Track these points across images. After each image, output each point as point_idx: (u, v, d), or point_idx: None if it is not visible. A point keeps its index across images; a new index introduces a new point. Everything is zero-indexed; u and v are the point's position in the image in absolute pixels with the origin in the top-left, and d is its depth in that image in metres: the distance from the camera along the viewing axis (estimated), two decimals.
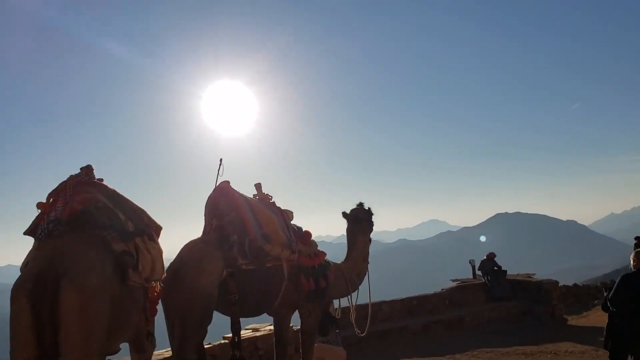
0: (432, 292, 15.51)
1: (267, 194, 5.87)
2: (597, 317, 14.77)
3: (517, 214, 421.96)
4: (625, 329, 6.01)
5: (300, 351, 6.09)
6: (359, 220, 6.78)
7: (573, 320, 15.47)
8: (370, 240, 6.99)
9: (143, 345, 4.37)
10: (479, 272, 16.88)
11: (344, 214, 6.83)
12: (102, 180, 4.33)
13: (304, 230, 6.09)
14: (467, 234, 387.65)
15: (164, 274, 4.50)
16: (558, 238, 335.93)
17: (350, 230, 6.86)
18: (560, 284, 20.41)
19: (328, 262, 6.16)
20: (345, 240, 7.05)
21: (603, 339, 6.75)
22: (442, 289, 15.86)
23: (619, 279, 6.26)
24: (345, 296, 6.87)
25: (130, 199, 4.41)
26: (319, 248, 6.15)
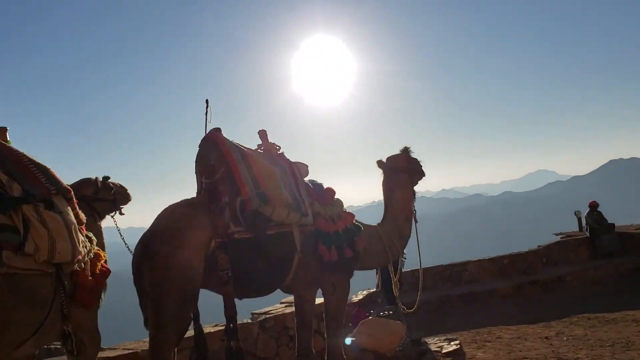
0: (527, 249, 13.84)
1: (274, 144, 4.70)
2: None
3: (634, 159, 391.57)
4: None
5: (325, 336, 4.93)
6: (398, 171, 5.40)
7: None
8: (414, 195, 5.53)
9: (66, 347, 3.25)
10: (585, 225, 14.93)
11: (379, 163, 5.49)
12: (4, 129, 3.27)
13: (325, 187, 4.87)
14: (578, 183, 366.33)
15: (80, 254, 3.23)
16: None
17: (386, 184, 5.45)
18: None
19: (358, 226, 4.86)
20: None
21: None
22: (538, 246, 14.15)
23: None
24: (385, 264, 5.47)
25: (29, 155, 3.15)
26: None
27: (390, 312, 7.73)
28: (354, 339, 6.22)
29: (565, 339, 8.30)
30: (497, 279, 12.94)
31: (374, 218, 5.78)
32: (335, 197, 4.86)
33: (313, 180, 4.87)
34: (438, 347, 7.35)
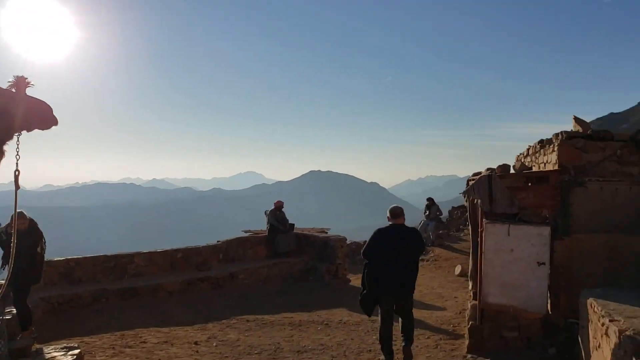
0: (205, 244, 13.01)
1: None
2: None
3: (329, 172, 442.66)
4: (374, 280, 6.33)
5: None
6: None
7: (357, 280, 14.17)
8: None
9: None
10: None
11: None
12: None
13: None
14: (282, 187, 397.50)
15: None
16: (362, 197, 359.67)
17: None
18: (356, 240, 19.53)
19: None
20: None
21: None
22: (217, 241, 13.46)
23: (373, 232, 6.56)
24: None
25: None
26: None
27: None
28: None
29: (215, 344, 7.47)
30: (168, 273, 11.80)
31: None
32: None
33: None
34: (51, 358, 5.73)
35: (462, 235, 19.72)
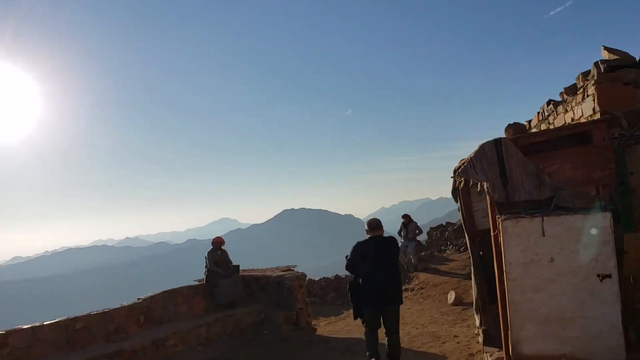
0: (120, 305, 9.81)
1: None
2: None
3: (302, 209, 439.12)
4: (359, 290, 6.35)
5: None
6: None
7: (328, 327, 11.11)
8: None
9: None
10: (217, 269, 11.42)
11: None
12: None
13: None
14: (256, 230, 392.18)
15: None
16: (338, 230, 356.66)
17: None
18: (328, 275, 16.83)
19: None
20: None
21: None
22: (138, 298, 10.25)
23: (353, 246, 6.49)
24: None
25: None
26: None
27: None
28: None
29: None
30: (64, 353, 8.58)
31: None
32: None
33: None
34: None
35: (446, 255, 16.84)
